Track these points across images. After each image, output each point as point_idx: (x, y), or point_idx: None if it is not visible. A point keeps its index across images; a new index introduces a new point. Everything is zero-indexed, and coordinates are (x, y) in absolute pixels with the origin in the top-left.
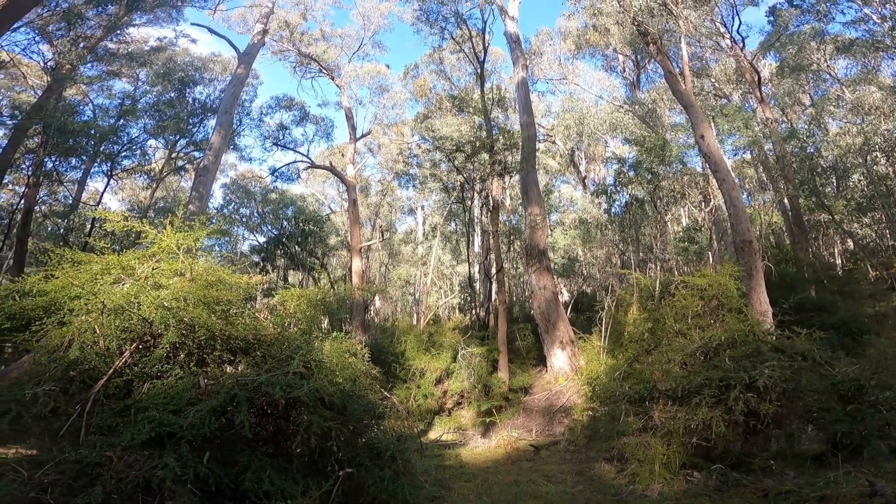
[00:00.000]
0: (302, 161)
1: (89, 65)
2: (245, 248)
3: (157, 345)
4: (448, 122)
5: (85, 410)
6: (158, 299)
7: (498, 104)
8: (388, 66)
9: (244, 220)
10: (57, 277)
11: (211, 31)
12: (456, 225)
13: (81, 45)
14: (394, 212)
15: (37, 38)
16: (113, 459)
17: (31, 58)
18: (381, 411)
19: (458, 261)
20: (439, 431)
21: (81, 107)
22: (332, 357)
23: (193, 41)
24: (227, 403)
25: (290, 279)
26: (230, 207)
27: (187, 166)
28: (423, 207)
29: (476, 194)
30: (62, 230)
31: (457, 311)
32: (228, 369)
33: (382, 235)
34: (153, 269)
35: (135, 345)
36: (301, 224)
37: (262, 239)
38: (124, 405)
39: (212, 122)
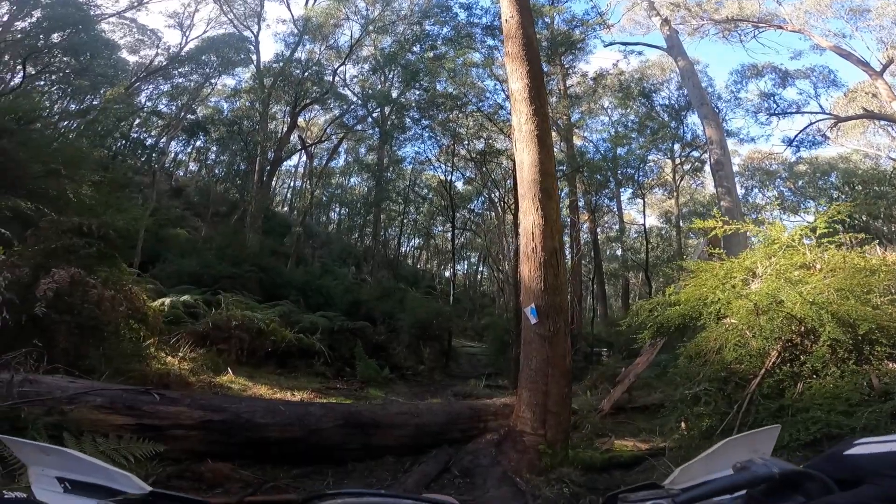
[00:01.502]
0: (822, 119)
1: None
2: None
3: (806, 343)
4: None
5: (741, 410)
6: (802, 296)
7: None
8: None
9: (771, 201)
10: (684, 288)
11: (623, 44)
12: None
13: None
14: None
15: None
16: None
17: None
18: None
19: None
20: None
21: (584, 147)
22: None
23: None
24: None
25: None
26: (753, 194)
27: (696, 164)
28: None
29: None
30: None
31: None
32: (891, 366)
33: None
34: (775, 266)
35: (780, 343)
36: (858, 187)
37: (809, 218)
38: (779, 405)
39: (690, 121)
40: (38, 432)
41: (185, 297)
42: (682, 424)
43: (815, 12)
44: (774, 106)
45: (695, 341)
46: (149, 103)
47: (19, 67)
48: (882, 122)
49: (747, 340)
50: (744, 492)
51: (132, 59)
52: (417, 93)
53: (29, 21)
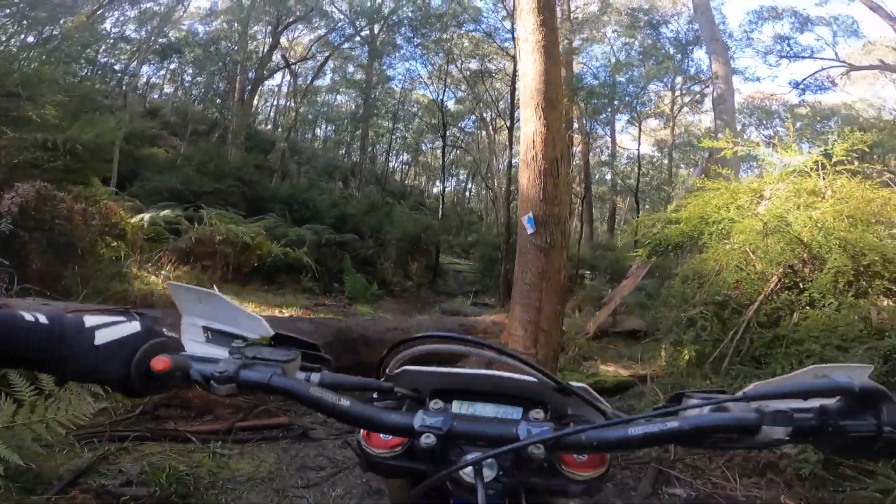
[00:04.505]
0: (834, 67)
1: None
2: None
3: (805, 270)
4: None
5: (735, 336)
6: (812, 220)
7: None
8: None
9: (768, 140)
10: (686, 207)
11: None
12: None
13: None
14: None
15: None
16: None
17: None
18: None
19: None
20: None
21: (582, 73)
22: None
23: None
24: None
25: None
26: (748, 131)
27: (697, 97)
28: None
29: None
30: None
31: None
32: (886, 303)
33: None
34: (785, 190)
35: (781, 269)
36: (857, 133)
37: (798, 158)
38: (774, 336)
39: (695, 55)
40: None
41: (166, 212)
42: (661, 353)
43: None
44: (787, 49)
45: (693, 262)
46: (115, 30)
47: None
48: (894, 76)
49: (750, 263)
50: (818, 403)
51: None
52: (410, 12)
53: None
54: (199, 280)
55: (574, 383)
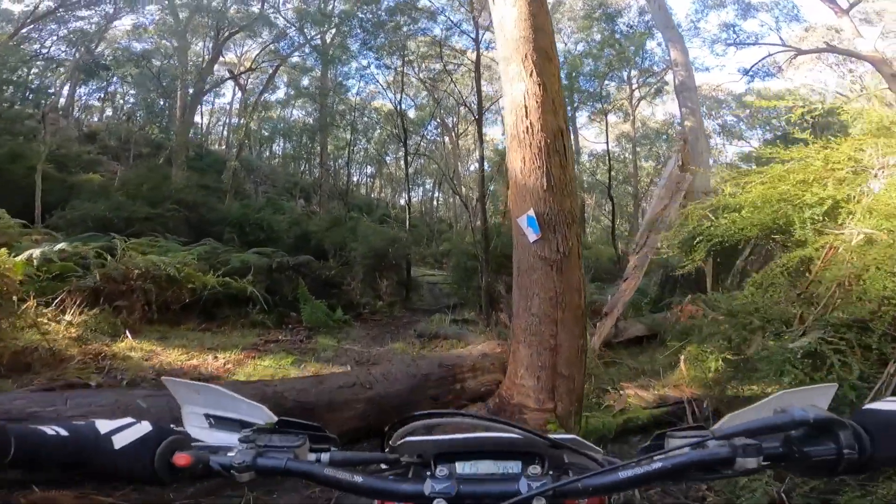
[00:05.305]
0: (780, 52)
1: None
2: (728, 157)
3: None
4: None
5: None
6: None
7: None
8: None
9: (718, 130)
10: (746, 188)
11: None
12: None
13: None
14: None
15: None
16: None
17: None
18: None
19: None
20: None
21: None
22: None
23: None
24: None
25: None
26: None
27: (659, 85)
28: None
29: None
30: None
31: None
32: None
33: None
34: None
35: None
36: (807, 118)
37: (755, 144)
38: None
39: (649, 46)
40: None
41: (62, 246)
42: (682, 366)
43: None
44: (734, 37)
45: (776, 264)
46: (43, 50)
47: None
48: (831, 61)
49: None
50: (782, 434)
51: (17, 8)
52: (361, 14)
53: None
54: (110, 324)
55: (564, 435)
